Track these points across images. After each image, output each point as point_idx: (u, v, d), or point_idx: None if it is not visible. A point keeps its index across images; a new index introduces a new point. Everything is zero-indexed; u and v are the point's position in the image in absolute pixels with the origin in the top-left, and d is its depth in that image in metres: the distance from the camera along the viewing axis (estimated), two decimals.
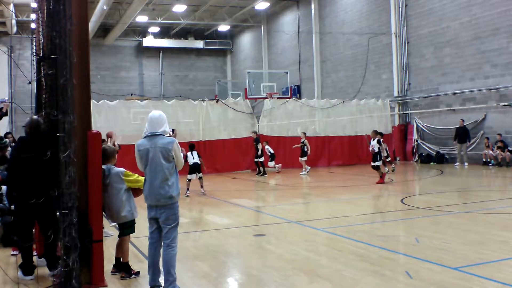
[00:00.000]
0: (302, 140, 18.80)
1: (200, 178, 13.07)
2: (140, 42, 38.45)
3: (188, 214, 10.46)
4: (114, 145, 10.28)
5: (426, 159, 21.71)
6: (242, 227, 8.79)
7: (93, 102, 15.89)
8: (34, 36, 7.04)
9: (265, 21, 36.07)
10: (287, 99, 22.86)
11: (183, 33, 38.85)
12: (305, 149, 18.58)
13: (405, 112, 23.83)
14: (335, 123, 22.51)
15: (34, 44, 6.84)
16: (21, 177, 5.45)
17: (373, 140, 14.60)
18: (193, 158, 12.80)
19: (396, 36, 23.62)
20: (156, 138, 4.99)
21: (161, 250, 5.01)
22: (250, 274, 5.68)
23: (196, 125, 20.13)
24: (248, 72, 25.47)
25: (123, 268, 5.63)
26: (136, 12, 28.81)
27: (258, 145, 18.67)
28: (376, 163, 14.40)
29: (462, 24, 20.26)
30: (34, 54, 6.42)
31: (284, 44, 33.89)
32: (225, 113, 20.79)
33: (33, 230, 5.81)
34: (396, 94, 23.83)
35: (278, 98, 23.17)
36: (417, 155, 22.46)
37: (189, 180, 12.95)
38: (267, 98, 22.94)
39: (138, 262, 6.07)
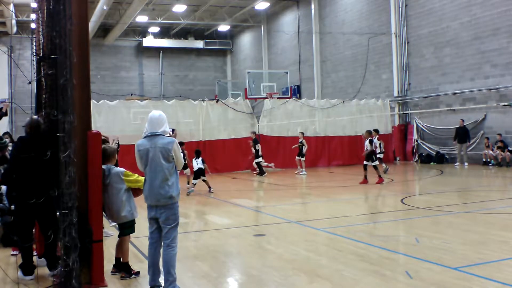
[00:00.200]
0: (300, 140, 18.83)
1: (204, 180, 13.41)
2: (140, 42, 38.46)
3: (188, 214, 10.46)
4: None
5: (426, 159, 21.71)
6: (242, 227, 8.79)
7: (93, 102, 15.89)
8: (34, 36, 7.04)
9: (265, 21, 36.07)
10: (287, 99, 22.86)
11: (183, 33, 38.86)
12: (303, 149, 18.61)
13: (405, 112, 23.84)
14: (335, 123, 22.51)
15: (34, 44, 6.84)
16: (21, 177, 5.45)
17: (366, 140, 14.69)
18: (197, 164, 13.21)
19: (396, 36, 23.63)
20: (156, 138, 4.99)
21: (161, 250, 5.01)
22: (250, 274, 5.68)
23: (196, 125, 20.13)
24: (248, 72, 25.47)
25: (123, 268, 5.63)
26: (136, 12, 28.81)
27: (256, 146, 18.70)
28: (372, 163, 14.40)
29: (462, 24, 20.26)
30: (34, 54, 6.42)
31: (284, 44, 33.90)
32: (225, 113, 20.80)
33: (33, 230, 5.81)
34: (396, 94, 23.84)
35: (278, 98, 23.17)
36: (417, 155, 22.46)
37: (194, 184, 13.30)
38: (267, 98, 22.94)
39: (138, 262, 6.07)
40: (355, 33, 26.47)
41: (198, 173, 13.20)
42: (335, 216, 9.38)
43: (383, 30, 24.54)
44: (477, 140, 19.67)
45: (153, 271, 5.04)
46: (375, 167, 14.46)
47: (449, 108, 21.05)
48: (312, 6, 30.05)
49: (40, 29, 6.12)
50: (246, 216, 10.23)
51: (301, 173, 18.50)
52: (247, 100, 22.56)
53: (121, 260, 5.69)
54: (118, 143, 12.14)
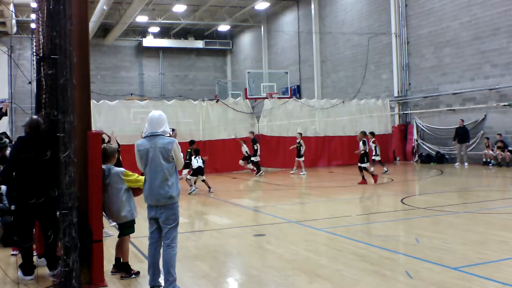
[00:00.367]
0: (298, 141, 18.82)
1: (203, 180, 13.41)
2: (140, 42, 38.45)
3: (188, 214, 10.46)
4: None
5: (426, 159, 21.70)
6: (242, 227, 8.79)
7: (93, 102, 15.88)
8: (34, 36, 7.05)
9: (265, 21, 36.07)
10: (287, 99, 22.85)
11: (183, 33, 38.85)
12: (301, 150, 18.60)
13: (405, 112, 23.83)
14: (335, 123, 22.51)
15: (34, 44, 6.84)
16: (21, 177, 5.45)
17: (360, 141, 14.70)
18: (197, 162, 13.22)
19: (396, 36, 23.62)
20: (156, 138, 4.99)
21: (161, 250, 5.01)
22: (250, 274, 5.68)
23: (196, 125, 20.12)
24: (248, 72, 25.47)
25: (123, 268, 5.63)
26: (136, 12, 28.81)
27: (255, 145, 18.70)
28: (363, 165, 14.39)
29: (462, 24, 20.26)
30: (34, 54, 6.43)
31: (284, 44, 33.90)
32: (225, 113, 20.80)
33: (33, 230, 5.81)
34: (396, 94, 23.84)
35: (278, 98, 23.16)
36: (417, 155, 22.46)
37: (189, 179, 13.33)
38: (267, 98, 22.93)
39: (138, 262, 6.07)
40: (355, 33, 26.47)
41: (197, 171, 13.24)
42: (335, 216, 9.38)
43: (383, 30, 24.54)
44: (477, 140, 19.66)
45: (153, 271, 5.04)
46: (365, 168, 14.48)
47: (449, 108, 21.05)
48: (312, 6, 30.05)
49: (40, 29, 6.12)
50: (246, 216, 10.24)
51: (301, 173, 18.49)
52: (247, 100, 22.55)
53: (121, 260, 5.69)
54: (118, 143, 12.12)
